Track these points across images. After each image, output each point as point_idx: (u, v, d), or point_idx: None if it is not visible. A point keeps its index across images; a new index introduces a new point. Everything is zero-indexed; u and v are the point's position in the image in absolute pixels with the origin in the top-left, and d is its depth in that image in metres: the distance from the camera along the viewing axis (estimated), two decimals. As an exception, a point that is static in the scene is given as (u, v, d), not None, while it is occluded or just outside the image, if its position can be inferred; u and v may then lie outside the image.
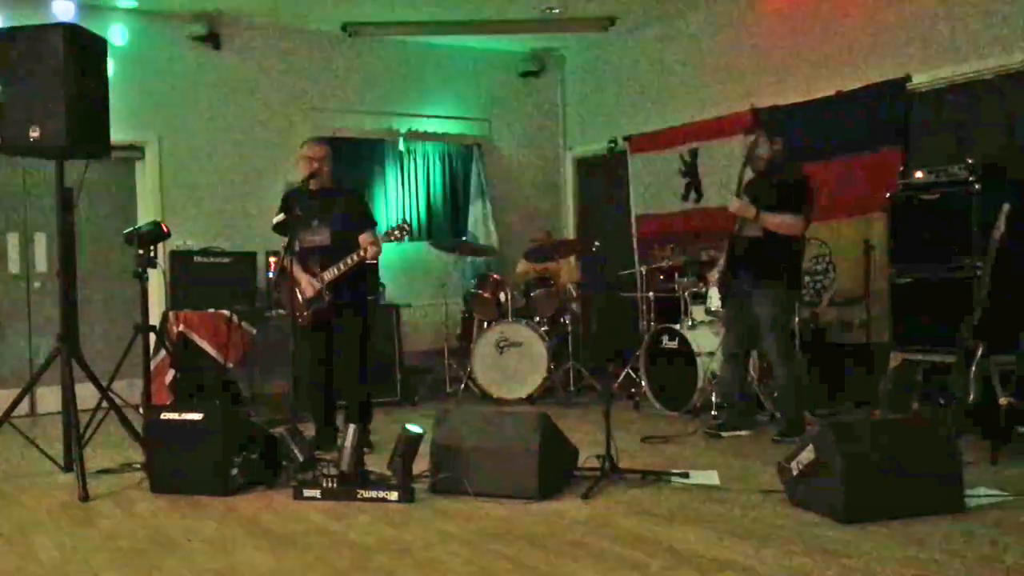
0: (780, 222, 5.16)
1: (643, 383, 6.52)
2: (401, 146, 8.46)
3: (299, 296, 5.24)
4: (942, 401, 5.01)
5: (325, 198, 5.29)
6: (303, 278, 5.23)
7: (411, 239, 5.21)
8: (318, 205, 5.26)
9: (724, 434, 5.39)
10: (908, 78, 6.24)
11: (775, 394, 5.71)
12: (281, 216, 5.25)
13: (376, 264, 5.63)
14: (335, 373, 5.36)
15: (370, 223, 5.35)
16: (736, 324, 5.47)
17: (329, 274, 5.15)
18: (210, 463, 4.28)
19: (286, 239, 5.18)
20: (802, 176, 5.39)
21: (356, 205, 5.38)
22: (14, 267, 7.12)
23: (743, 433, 5.41)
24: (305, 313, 5.24)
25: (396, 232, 5.20)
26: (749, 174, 5.38)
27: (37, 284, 7.15)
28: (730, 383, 5.52)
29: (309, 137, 5.66)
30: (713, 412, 5.88)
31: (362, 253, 5.10)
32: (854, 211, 6.47)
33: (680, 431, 5.60)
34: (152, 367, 5.46)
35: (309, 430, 5.26)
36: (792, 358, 5.37)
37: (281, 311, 6.49)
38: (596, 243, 7.53)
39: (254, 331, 6.77)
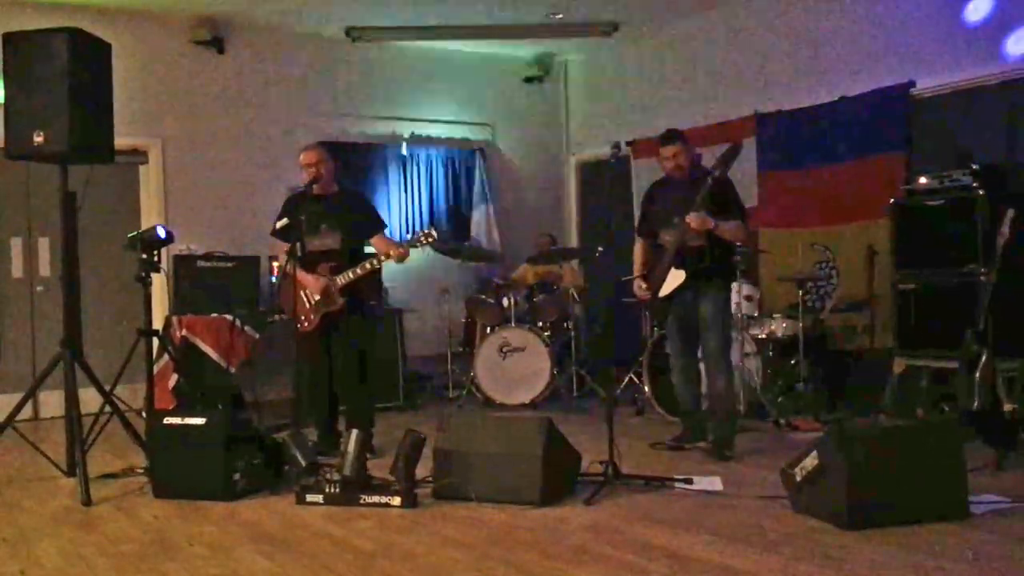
0: (736, 230, 5.05)
1: (646, 389, 6.51)
2: (404, 151, 8.48)
3: (305, 301, 5.21)
4: (946, 407, 5.00)
5: (331, 202, 5.28)
6: (310, 282, 5.18)
7: (435, 248, 5.08)
8: (324, 210, 5.23)
9: (688, 446, 5.24)
10: (912, 84, 6.24)
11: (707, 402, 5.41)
12: (285, 221, 5.22)
13: (379, 268, 5.54)
14: (337, 378, 5.35)
15: (380, 226, 5.34)
16: (681, 335, 5.24)
17: (343, 278, 5.12)
18: (213, 468, 4.28)
19: (287, 244, 5.15)
20: (728, 179, 5.13)
21: (363, 208, 5.39)
22: (17, 271, 7.13)
23: (703, 444, 5.23)
24: (312, 318, 5.22)
25: (422, 238, 5.09)
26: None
27: (40, 288, 7.16)
28: (688, 394, 5.31)
29: (304, 144, 5.64)
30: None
31: (382, 258, 5.10)
32: (858, 216, 6.47)
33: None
34: (155, 371, 5.46)
35: (312, 435, 5.26)
36: (731, 366, 5.20)
37: (283, 315, 6.52)
38: (600, 248, 7.52)
39: (257, 335, 6.76)
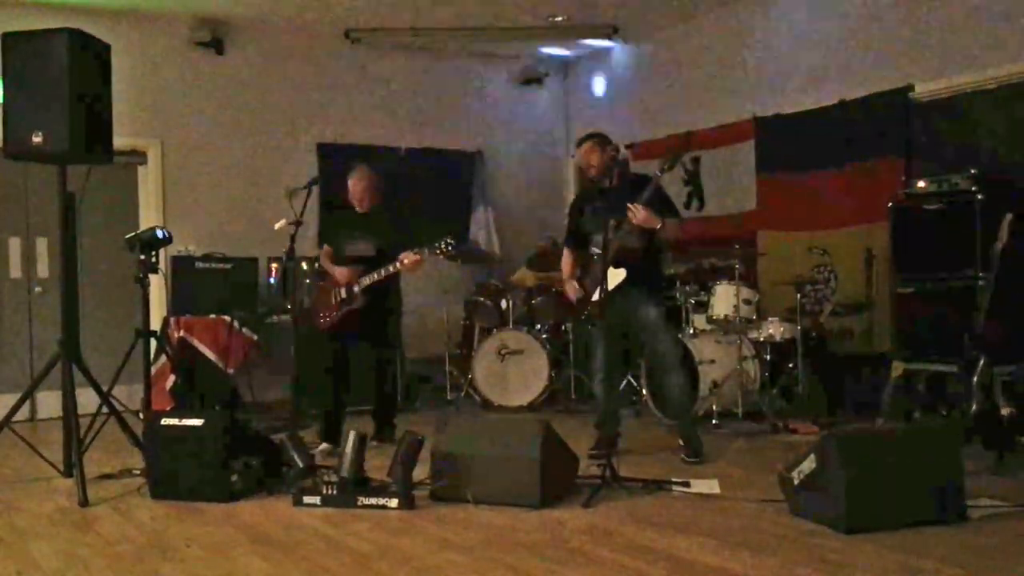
0: (676, 229, 5.02)
1: (644, 391, 6.51)
2: (403, 152, 8.48)
3: (332, 298, 5.46)
4: (944, 411, 5.01)
5: (371, 216, 5.61)
6: (341, 273, 5.47)
7: (454, 257, 5.49)
8: (363, 220, 5.60)
9: (612, 451, 4.92)
10: (911, 87, 6.25)
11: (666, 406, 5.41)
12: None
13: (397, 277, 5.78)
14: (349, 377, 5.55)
15: (410, 243, 5.44)
16: (614, 342, 5.14)
17: (368, 279, 5.38)
18: (210, 469, 4.27)
19: (328, 248, 5.67)
20: (667, 169, 4.99)
21: (397, 225, 5.62)
22: (16, 271, 7.13)
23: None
24: (333, 315, 5.44)
25: (442, 246, 5.22)
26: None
27: (38, 289, 7.16)
28: (611, 403, 5.21)
29: (357, 165, 5.83)
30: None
31: (399, 264, 5.30)
32: (856, 220, 6.47)
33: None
34: (153, 372, 5.46)
35: (309, 436, 5.26)
36: (682, 364, 5.16)
37: (282, 317, 6.61)
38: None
39: (255, 337, 6.77)
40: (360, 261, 5.48)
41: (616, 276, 4.93)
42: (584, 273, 5.14)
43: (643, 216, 4.78)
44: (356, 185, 5.60)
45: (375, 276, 5.36)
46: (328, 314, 5.48)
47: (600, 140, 5.13)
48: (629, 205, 4.79)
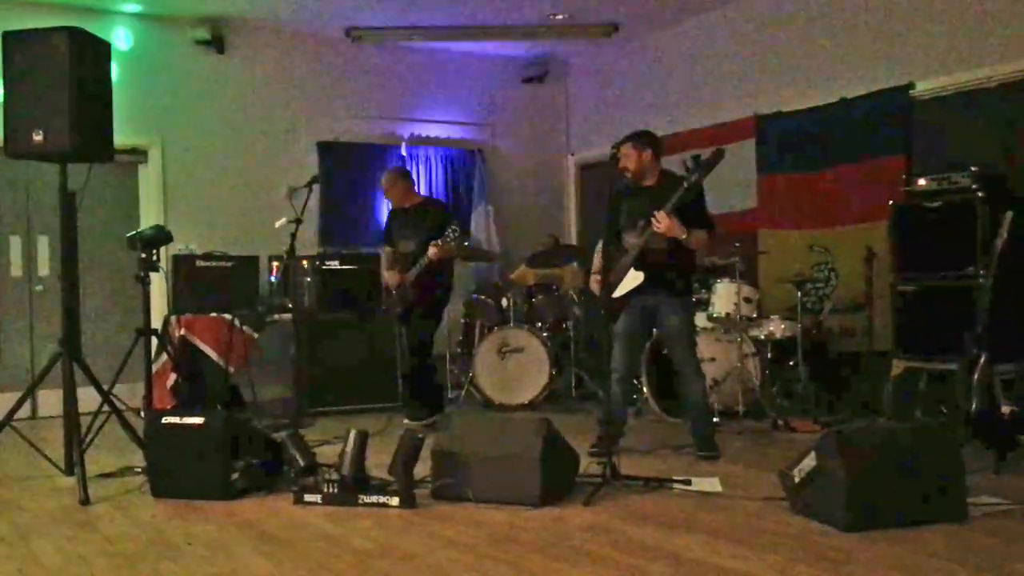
0: (702, 240, 4.98)
1: (644, 390, 6.51)
2: (404, 151, 8.49)
3: (394, 292, 6.34)
4: (944, 409, 5.00)
5: (414, 214, 6.31)
6: (393, 278, 6.33)
7: (456, 242, 5.99)
8: (408, 220, 6.32)
9: (613, 450, 4.83)
10: (911, 85, 6.25)
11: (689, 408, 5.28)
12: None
13: (444, 267, 6.27)
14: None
15: (439, 234, 5.97)
16: (629, 341, 5.11)
17: (412, 274, 6.13)
18: (211, 467, 4.27)
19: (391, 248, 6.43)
20: (702, 187, 4.95)
21: (435, 218, 6.19)
22: (17, 270, 7.14)
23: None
24: (398, 309, 6.35)
25: (450, 237, 5.87)
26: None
27: (39, 287, 7.16)
28: (622, 401, 5.17)
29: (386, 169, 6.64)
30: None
31: (426, 258, 5.98)
32: (857, 218, 6.48)
33: (683, 438, 5.58)
34: (154, 371, 5.46)
35: (311, 435, 5.27)
36: (701, 371, 5.16)
37: (283, 315, 6.78)
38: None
39: (256, 335, 6.77)
40: (407, 257, 6.18)
41: (634, 279, 4.92)
42: (610, 269, 5.03)
43: (666, 226, 4.77)
44: (383, 185, 6.39)
45: (415, 272, 6.10)
46: (393, 305, 6.41)
47: (640, 142, 5.05)
48: (654, 213, 4.78)
